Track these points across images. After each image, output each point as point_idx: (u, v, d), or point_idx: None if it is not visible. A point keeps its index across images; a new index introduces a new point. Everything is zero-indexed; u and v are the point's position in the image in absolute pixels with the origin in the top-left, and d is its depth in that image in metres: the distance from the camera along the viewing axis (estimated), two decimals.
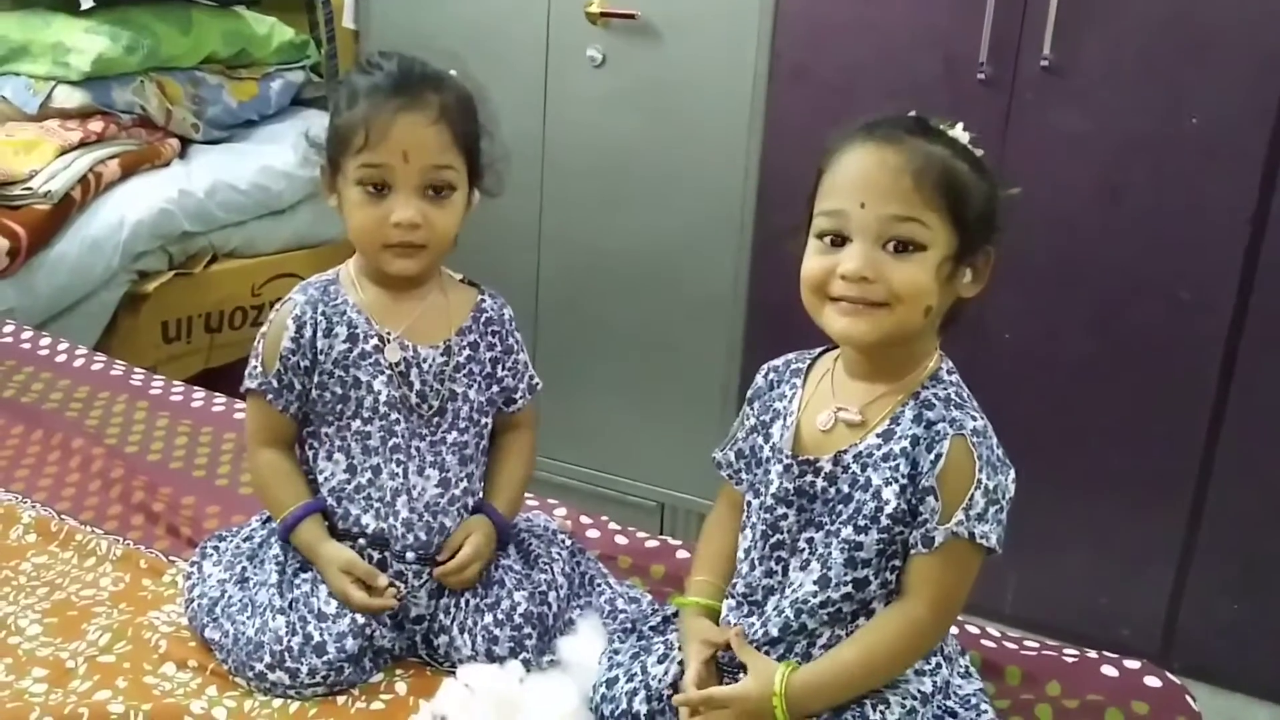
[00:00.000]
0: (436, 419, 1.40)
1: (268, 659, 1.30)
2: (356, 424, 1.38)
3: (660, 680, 1.25)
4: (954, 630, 1.40)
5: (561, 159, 2.60)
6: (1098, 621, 2.26)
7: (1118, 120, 2.07)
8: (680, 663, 1.25)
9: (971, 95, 2.14)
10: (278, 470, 1.41)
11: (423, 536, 1.38)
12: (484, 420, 1.44)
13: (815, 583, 1.19)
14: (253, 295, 2.64)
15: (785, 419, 1.25)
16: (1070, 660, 1.45)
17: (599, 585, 1.46)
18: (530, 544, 1.45)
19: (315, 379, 1.39)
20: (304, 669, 1.30)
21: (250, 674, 1.31)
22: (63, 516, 1.64)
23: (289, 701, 1.30)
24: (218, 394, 2.03)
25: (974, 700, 1.25)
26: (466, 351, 1.43)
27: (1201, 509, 2.17)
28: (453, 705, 1.26)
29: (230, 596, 1.38)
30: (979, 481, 1.14)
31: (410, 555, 1.38)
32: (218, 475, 1.78)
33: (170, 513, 1.66)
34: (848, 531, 1.18)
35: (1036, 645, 1.49)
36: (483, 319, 1.45)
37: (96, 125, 2.56)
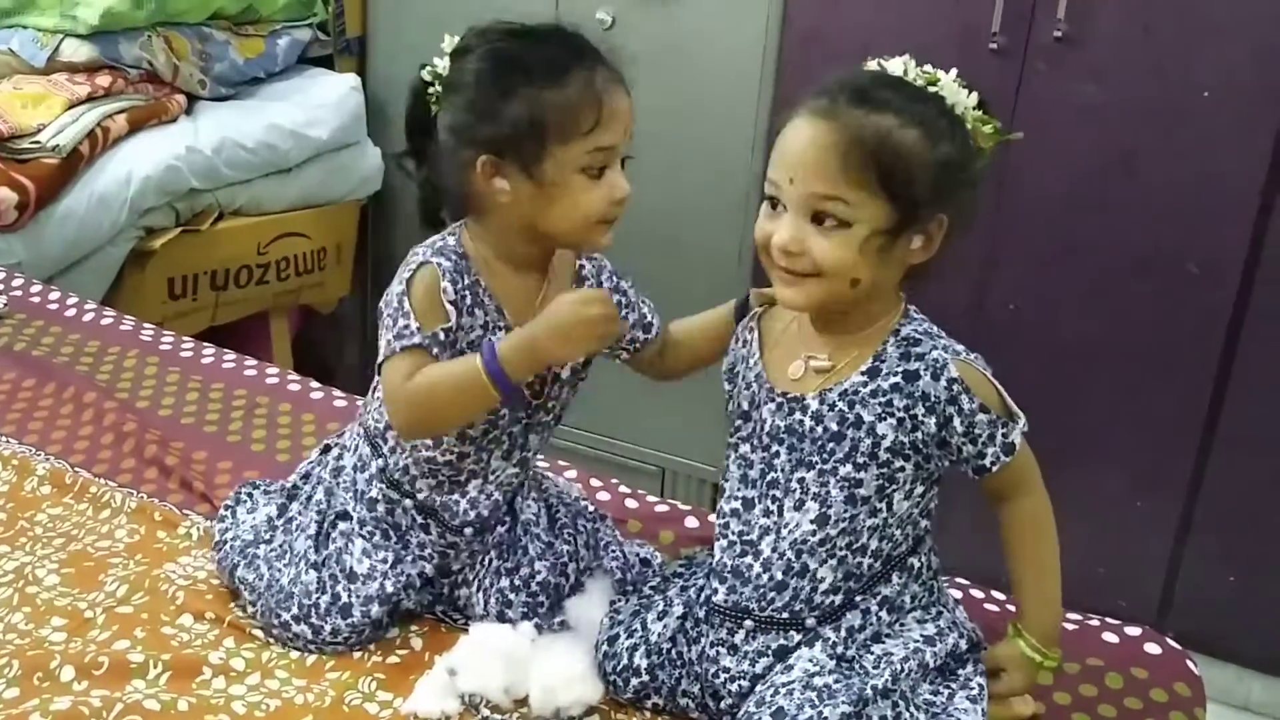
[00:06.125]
0: (539, 408, 1.38)
1: (295, 610, 1.32)
2: None
3: (660, 635, 1.29)
4: (956, 594, 1.43)
5: None
6: (1094, 592, 2.26)
7: (1130, 92, 2.07)
8: (678, 616, 1.28)
9: (983, 64, 2.13)
10: (433, 367, 1.26)
11: (485, 514, 1.38)
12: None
13: (813, 521, 1.22)
14: (258, 254, 2.64)
15: (749, 362, 1.30)
16: (1071, 627, 1.46)
17: (613, 550, 1.47)
18: (558, 511, 1.45)
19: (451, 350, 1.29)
20: (327, 627, 1.32)
21: (275, 622, 1.33)
22: (77, 469, 1.65)
23: (306, 655, 1.32)
24: (226, 350, 2.04)
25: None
26: None
27: (1200, 482, 2.19)
28: (464, 660, 1.28)
29: (270, 537, 1.39)
30: (996, 389, 1.21)
31: (469, 531, 1.38)
32: (229, 431, 1.79)
33: (183, 467, 1.67)
34: (846, 469, 1.20)
35: None
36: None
37: (104, 80, 2.54)
